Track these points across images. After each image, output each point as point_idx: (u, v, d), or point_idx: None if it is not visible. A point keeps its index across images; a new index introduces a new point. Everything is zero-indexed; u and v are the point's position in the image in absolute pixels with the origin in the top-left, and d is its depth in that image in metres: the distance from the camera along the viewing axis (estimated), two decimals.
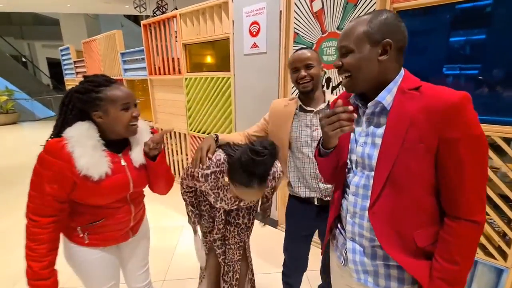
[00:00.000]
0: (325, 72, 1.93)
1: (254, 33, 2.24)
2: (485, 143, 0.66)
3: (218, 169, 1.05)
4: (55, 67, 12.92)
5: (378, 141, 0.74)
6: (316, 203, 1.24)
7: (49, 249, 0.93)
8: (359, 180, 0.79)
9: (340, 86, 1.87)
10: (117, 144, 1.01)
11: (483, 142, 0.65)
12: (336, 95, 1.88)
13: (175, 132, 3.48)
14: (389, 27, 0.70)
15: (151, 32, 3.32)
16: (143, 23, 3.36)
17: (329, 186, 1.21)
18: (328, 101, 1.20)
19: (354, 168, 0.82)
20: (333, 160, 0.87)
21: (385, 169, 0.71)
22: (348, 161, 0.85)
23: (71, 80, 5.78)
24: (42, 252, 0.91)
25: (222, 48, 2.67)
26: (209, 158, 1.05)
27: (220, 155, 1.07)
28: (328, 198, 1.22)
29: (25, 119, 9.11)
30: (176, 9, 6.71)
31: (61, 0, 7.19)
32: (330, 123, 0.73)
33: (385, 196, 0.72)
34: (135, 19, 13.02)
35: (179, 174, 3.62)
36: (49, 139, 0.93)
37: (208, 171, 1.04)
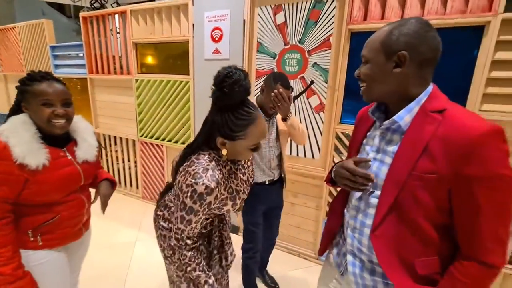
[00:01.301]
0: None
1: (216, 38, 2.22)
2: (511, 183, 0.59)
3: (213, 163, 0.84)
4: None
5: (388, 160, 0.71)
6: (267, 183, 1.56)
7: (13, 251, 0.91)
8: (362, 196, 0.77)
9: (301, 96, 2.00)
10: (58, 139, 1.01)
11: (509, 184, 0.58)
12: (299, 105, 2.00)
13: (120, 138, 3.15)
14: (410, 38, 0.64)
15: (92, 26, 2.97)
16: (83, 15, 2.98)
17: (277, 171, 1.57)
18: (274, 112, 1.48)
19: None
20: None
21: (391, 194, 0.68)
22: None
23: None
24: (8, 255, 0.89)
25: (178, 50, 2.56)
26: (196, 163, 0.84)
27: (199, 156, 0.86)
28: (275, 178, 1.58)
29: None
30: (118, 3, 6.14)
31: None
32: (344, 177, 0.72)
33: (389, 221, 0.69)
34: (60, 8, 11.35)
35: (125, 184, 3.28)
36: None
37: (209, 171, 0.81)
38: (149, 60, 2.85)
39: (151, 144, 2.90)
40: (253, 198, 1.44)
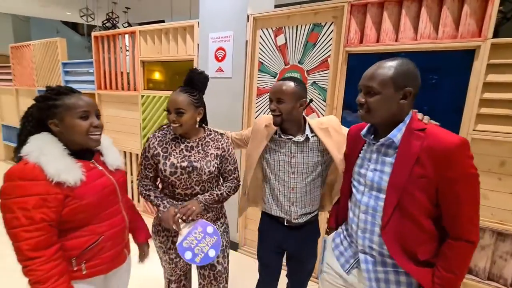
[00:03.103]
0: None
1: (220, 58, 2.32)
2: (478, 180, 0.80)
3: (164, 130, 1.24)
4: None
5: (387, 169, 0.87)
6: (285, 223, 1.27)
7: (69, 281, 0.86)
8: (368, 201, 0.92)
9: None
10: (84, 153, 0.96)
11: (476, 180, 0.79)
12: None
13: (124, 152, 3.22)
14: (410, 76, 0.82)
15: (102, 45, 3.12)
16: (94, 35, 3.15)
17: (300, 210, 1.24)
18: (307, 135, 1.18)
19: (361, 189, 0.94)
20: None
21: (395, 196, 0.84)
22: (355, 182, 0.98)
23: None
24: (65, 286, 0.83)
25: (183, 69, 2.67)
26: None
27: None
28: (297, 221, 1.25)
29: None
30: (129, 23, 6.46)
31: None
32: None
33: (394, 219, 0.85)
34: (74, 26, 11.92)
35: None
36: (11, 167, 0.83)
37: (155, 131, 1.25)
38: (156, 77, 2.97)
39: None
40: (262, 229, 1.36)
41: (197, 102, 1.17)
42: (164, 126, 1.26)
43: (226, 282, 1.32)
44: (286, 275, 1.42)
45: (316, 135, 1.20)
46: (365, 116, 0.88)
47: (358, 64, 1.81)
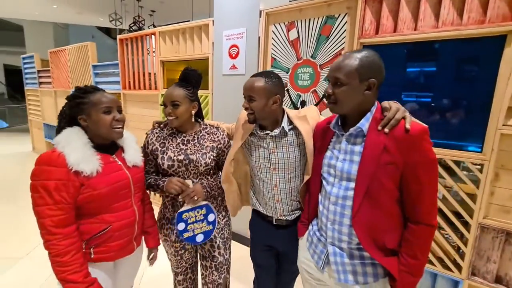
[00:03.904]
0: (300, 96, 2.06)
1: (234, 55, 2.34)
2: (437, 164, 0.84)
3: (160, 128, 1.28)
4: (13, 75, 11.98)
5: (356, 158, 0.89)
6: (274, 222, 1.23)
7: (83, 257, 0.94)
8: (338, 191, 0.92)
9: None
10: (108, 148, 1.05)
11: (436, 164, 0.83)
12: None
13: None
14: (374, 67, 0.85)
15: (127, 47, 3.29)
16: (120, 38, 3.33)
17: (286, 207, 1.20)
18: (283, 127, 1.12)
19: (331, 180, 0.95)
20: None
21: (364, 184, 0.85)
22: (325, 174, 0.98)
23: (33, 90, 5.42)
24: (80, 261, 0.92)
25: (199, 67, 2.72)
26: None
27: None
28: (285, 218, 1.21)
29: None
30: (154, 25, 6.74)
31: (28, 7, 6.84)
32: None
33: (364, 207, 0.87)
34: (107, 31, 12.72)
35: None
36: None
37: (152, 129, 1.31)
38: (174, 76, 3.07)
39: None
40: (252, 227, 1.34)
41: (191, 96, 1.21)
42: (162, 123, 1.31)
43: (228, 273, 1.35)
44: (276, 272, 1.38)
45: (294, 127, 1.14)
46: (333, 107, 0.91)
47: None
